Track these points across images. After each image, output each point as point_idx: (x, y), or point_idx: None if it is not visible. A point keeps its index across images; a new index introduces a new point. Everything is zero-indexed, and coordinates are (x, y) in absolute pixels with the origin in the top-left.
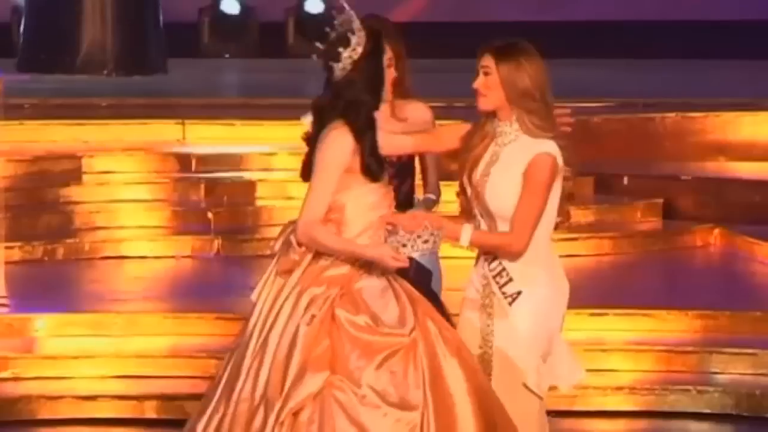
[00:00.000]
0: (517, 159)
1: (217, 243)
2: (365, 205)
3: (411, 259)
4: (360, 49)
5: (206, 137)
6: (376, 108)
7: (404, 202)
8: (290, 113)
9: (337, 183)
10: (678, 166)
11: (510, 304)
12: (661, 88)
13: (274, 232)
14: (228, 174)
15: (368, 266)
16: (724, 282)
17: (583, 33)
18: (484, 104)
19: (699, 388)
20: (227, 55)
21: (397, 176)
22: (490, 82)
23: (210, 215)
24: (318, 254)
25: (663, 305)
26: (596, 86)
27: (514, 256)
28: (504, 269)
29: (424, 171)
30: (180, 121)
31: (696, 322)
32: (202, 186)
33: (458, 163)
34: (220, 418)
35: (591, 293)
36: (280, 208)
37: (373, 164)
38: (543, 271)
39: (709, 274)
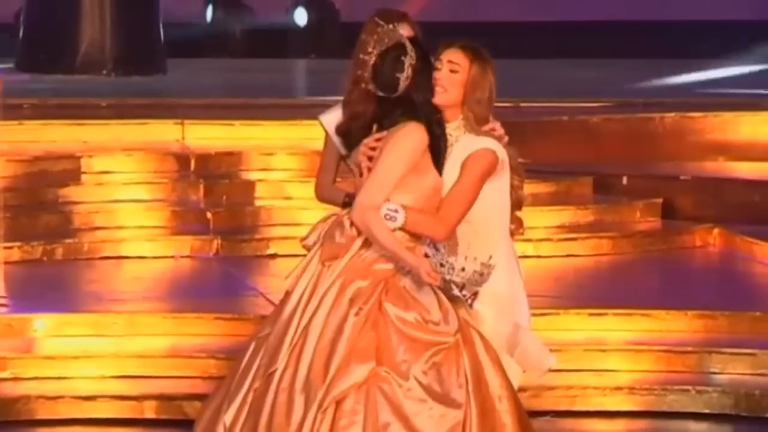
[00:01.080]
0: (460, 156)
1: (216, 243)
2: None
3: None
4: (414, 55)
5: (205, 137)
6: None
7: None
8: (290, 113)
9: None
10: (677, 166)
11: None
12: (662, 88)
13: (274, 232)
14: (227, 174)
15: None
16: (723, 282)
17: (582, 33)
18: (443, 99)
19: (698, 388)
20: (227, 56)
21: None
22: (456, 80)
23: (209, 215)
24: (364, 245)
25: (662, 305)
26: (596, 86)
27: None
28: None
29: None
30: (179, 121)
31: (695, 322)
32: (201, 186)
33: None
34: (256, 406)
35: (590, 293)
36: (280, 208)
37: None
38: (499, 269)
39: (709, 274)
